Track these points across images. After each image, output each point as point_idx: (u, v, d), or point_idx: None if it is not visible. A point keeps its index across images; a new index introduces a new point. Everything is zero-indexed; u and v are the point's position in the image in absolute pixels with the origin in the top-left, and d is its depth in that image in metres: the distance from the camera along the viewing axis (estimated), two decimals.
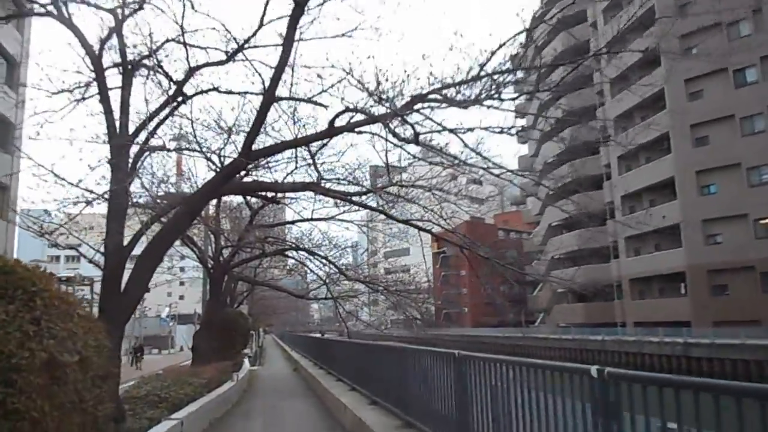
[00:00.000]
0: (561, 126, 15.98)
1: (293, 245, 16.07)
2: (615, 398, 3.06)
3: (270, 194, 10.06)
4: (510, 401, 4.27)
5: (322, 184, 9.93)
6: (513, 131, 8.19)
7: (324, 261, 15.99)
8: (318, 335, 53.14)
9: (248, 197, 15.07)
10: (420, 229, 10.22)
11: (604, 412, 3.10)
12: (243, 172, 8.83)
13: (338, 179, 10.25)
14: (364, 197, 10.37)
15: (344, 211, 15.59)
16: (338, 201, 15.64)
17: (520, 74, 8.28)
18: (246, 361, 23.85)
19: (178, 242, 16.82)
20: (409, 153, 10.13)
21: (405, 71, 7.60)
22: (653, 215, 45.36)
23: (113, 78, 8.27)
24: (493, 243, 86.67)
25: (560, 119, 14.83)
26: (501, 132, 7.55)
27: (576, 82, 9.38)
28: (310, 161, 10.29)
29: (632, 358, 40.97)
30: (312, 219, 15.45)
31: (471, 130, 7.62)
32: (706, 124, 41.23)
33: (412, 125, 8.03)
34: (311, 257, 16.47)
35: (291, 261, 20.57)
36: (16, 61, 22.96)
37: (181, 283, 70.70)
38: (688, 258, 40.67)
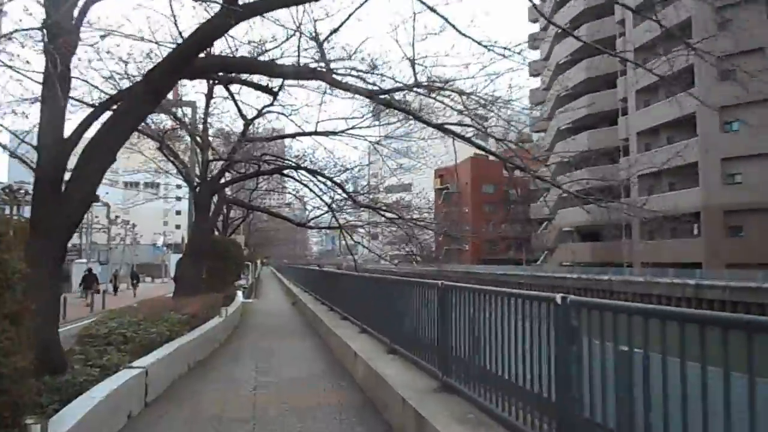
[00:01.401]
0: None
1: (294, 164, 13.81)
2: (576, 324, 3.33)
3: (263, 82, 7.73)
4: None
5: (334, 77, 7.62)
6: None
7: (329, 184, 13.80)
8: (316, 268, 51.62)
9: (233, 88, 12.67)
10: (457, 136, 7.92)
11: (566, 336, 3.38)
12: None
13: (352, 70, 7.89)
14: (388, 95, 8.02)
15: (353, 126, 13.31)
16: (346, 117, 13.35)
17: None
18: (239, 293, 22.05)
19: (159, 156, 14.55)
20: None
21: None
22: (670, 153, 43.17)
23: None
24: (499, 180, 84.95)
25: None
26: None
27: None
28: (317, 51, 7.91)
29: (640, 299, 39.72)
30: (316, 133, 13.21)
31: None
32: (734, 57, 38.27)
33: None
34: (314, 179, 14.26)
35: (290, 186, 18.32)
36: None
37: (178, 212, 68.97)
38: (704, 198, 38.65)
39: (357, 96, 8.19)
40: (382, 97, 7.55)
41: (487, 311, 4.60)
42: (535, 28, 68.63)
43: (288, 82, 10.45)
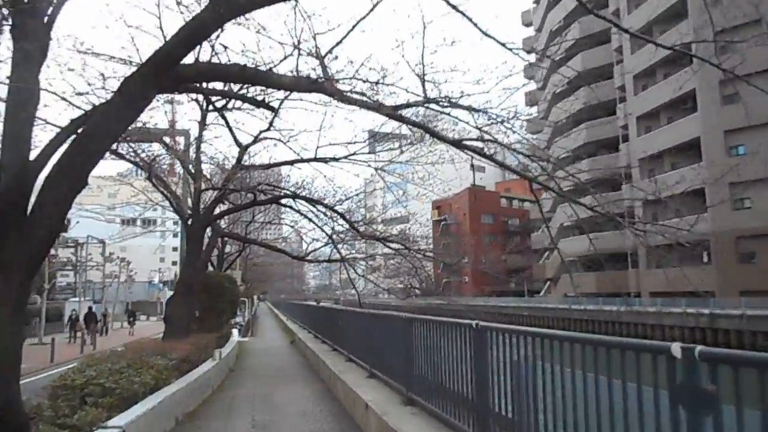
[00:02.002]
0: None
1: (292, 193, 12.90)
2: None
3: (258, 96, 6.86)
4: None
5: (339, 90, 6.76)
6: None
7: (330, 214, 12.88)
8: (313, 303, 50.19)
9: (224, 106, 11.85)
10: (476, 153, 7.00)
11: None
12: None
13: (357, 82, 7.04)
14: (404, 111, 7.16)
15: (354, 153, 12.46)
16: (346, 142, 12.54)
17: None
18: (235, 332, 20.89)
19: (150, 188, 13.64)
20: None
21: None
22: (674, 179, 42.56)
23: None
24: (497, 211, 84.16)
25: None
26: None
27: None
28: (318, 65, 7.07)
29: (650, 331, 38.45)
30: (316, 159, 12.35)
31: None
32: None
33: None
34: (314, 209, 13.33)
35: (288, 218, 17.40)
36: None
37: (175, 249, 67.77)
38: (714, 224, 37.77)
39: (358, 123, 7.40)
40: (398, 113, 6.67)
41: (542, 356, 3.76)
42: (530, 31, 68.56)
43: (287, 102, 9.65)
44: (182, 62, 5.38)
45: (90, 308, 31.49)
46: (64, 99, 7.04)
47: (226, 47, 6.01)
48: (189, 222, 12.79)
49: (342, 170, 14.38)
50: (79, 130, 5.55)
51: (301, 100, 8.53)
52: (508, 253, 74.48)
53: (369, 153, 12.67)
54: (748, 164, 36.65)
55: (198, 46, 5.52)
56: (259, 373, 13.65)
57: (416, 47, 8.32)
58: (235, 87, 7.19)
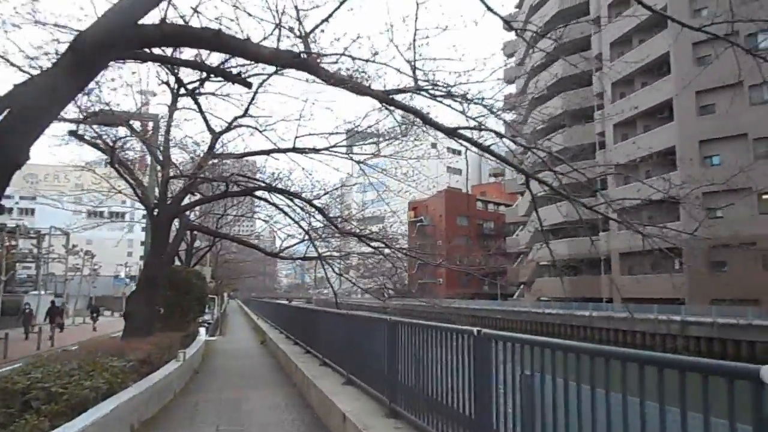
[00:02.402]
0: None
1: (267, 185, 12.14)
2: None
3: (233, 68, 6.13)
4: None
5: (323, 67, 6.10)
6: None
7: (308, 209, 12.17)
8: (285, 302, 48.98)
9: (196, 88, 11.06)
10: (473, 144, 6.40)
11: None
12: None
13: (342, 59, 6.39)
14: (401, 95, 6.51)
15: (336, 144, 11.80)
16: (322, 134, 11.89)
17: None
18: (202, 330, 19.97)
19: (114, 174, 12.73)
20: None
21: None
22: (643, 189, 42.82)
23: None
24: (473, 213, 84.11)
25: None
26: None
27: None
28: (300, 42, 6.39)
29: (622, 336, 38.56)
30: (294, 150, 11.65)
31: None
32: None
33: None
34: (291, 203, 12.60)
35: (262, 213, 16.59)
36: None
37: (143, 243, 65.85)
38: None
39: (340, 114, 6.72)
40: (380, 94, 6.02)
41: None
42: (511, 35, 68.31)
43: (266, 84, 8.93)
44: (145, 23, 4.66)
45: (53, 302, 30.37)
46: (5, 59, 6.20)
47: (197, 10, 5.27)
48: (155, 212, 11.93)
49: (321, 163, 13.69)
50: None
51: (282, 74, 7.79)
52: (490, 255, 74.38)
53: (348, 148, 12.00)
54: (721, 174, 37.13)
55: (166, 4, 4.79)
56: (227, 375, 12.85)
57: (407, 30, 7.69)
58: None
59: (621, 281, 44.62)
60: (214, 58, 7.13)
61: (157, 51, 5.96)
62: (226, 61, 6.76)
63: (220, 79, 11.48)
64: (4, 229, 41.41)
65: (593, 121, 50.09)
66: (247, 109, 10.99)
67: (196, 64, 6.27)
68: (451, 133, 6.25)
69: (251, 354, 17.76)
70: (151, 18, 5.04)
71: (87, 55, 4.40)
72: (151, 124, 12.88)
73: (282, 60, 5.55)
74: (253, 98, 10.99)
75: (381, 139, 12.17)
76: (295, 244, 16.85)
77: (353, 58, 6.00)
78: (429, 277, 74.41)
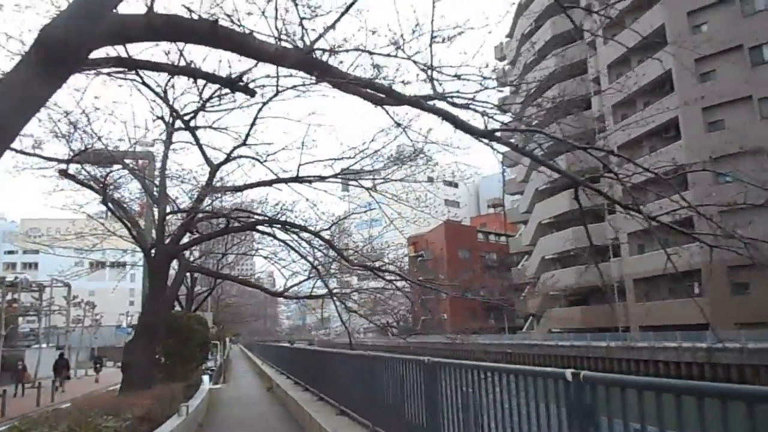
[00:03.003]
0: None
1: (270, 218, 11.23)
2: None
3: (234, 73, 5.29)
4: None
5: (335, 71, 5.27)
6: None
7: (315, 242, 11.23)
8: (287, 345, 47.29)
9: (192, 118, 10.24)
10: (512, 147, 5.50)
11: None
12: None
13: (357, 54, 5.57)
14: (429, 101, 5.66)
15: (343, 171, 10.99)
16: (327, 161, 11.09)
17: None
18: (206, 379, 18.76)
19: (104, 213, 11.83)
20: None
21: None
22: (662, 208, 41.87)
23: None
24: (474, 246, 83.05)
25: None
26: None
27: None
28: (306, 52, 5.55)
29: (643, 366, 36.99)
30: (298, 179, 10.80)
31: None
32: None
33: None
34: (296, 237, 11.67)
35: (265, 251, 15.61)
36: None
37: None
38: (704, 254, 36.88)
39: (345, 138, 5.85)
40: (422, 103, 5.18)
41: None
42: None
43: (265, 110, 8.13)
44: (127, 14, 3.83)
45: (61, 354, 30.05)
46: None
47: (190, 10, 4.45)
48: (152, 253, 10.99)
49: (326, 193, 12.78)
50: None
51: (284, 89, 6.91)
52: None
53: (355, 174, 11.14)
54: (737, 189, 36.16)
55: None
56: (234, 428, 11.68)
57: (420, 34, 6.87)
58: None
59: (636, 309, 43.29)
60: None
61: (146, 57, 5.14)
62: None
63: (217, 108, 10.75)
64: (4, 282, 40.48)
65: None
66: (247, 136, 10.18)
67: (190, 71, 5.42)
68: (487, 135, 5.37)
69: (259, 402, 16.53)
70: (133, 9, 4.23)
71: (56, 51, 3.54)
72: (146, 161, 12.08)
73: (288, 59, 4.72)
74: (253, 123, 10.19)
75: (389, 162, 11.32)
76: (300, 282, 15.85)
77: (371, 53, 5.15)
78: (431, 313, 72.61)
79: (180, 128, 11.49)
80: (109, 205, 10.55)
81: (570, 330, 49.75)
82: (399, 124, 7.37)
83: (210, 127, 11.34)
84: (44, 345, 44.91)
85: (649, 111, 42.86)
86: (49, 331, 53.55)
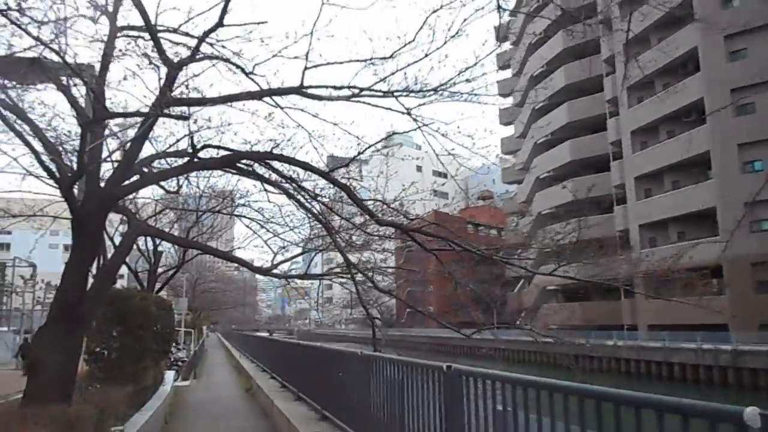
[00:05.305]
0: None
1: (260, 153, 7.57)
2: None
3: None
4: None
5: None
6: None
7: (322, 185, 7.60)
8: (266, 335, 43.31)
9: None
10: None
11: None
12: None
13: None
14: None
15: (362, 91, 7.45)
16: (359, 59, 7.70)
17: None
18: (169, 375, 15.02)
19: None
20: None
21: None
22: (674, 203, 38.85)
23: None
24: (465, 237, 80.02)
25: None
26: None
27: None
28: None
29: (656, 368, 34.00)
30: (303, 91, 7.24)
31: None
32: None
33: None
34: (293, 184, 8.01)
35: (251, 211, 11.81)
36: None
37: (121, 276, 59.94)
38: (726, 249, 33.90)
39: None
40: None
41: None
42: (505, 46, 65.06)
43: None
44: None
45: (26, 339, 26.48)
46: None
47: None
48: (76, 196, 7.21)
49: (335, 126, 8.71)
50: None
51: None
52: (475, 281, 69.60)
53: (387, 89, 7.47)
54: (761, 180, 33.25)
55: None
56: None
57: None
58: None
59: (644, 306, 40.27)
60: None
61: None
62: None
63: None
64: None
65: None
66: (224, 12, 6.48)
67: None
68: None
69: (235, 409, 12.90)
70: None
71: None
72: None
73: None
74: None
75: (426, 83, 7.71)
76: (293, 257, 12.20)
77: None
78: (417, 305, 69.33)
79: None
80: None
81: (569, 327, 46.67)
82: None
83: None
84: (5, 328, 41.45)
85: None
86: (10, 313, 49.86)
